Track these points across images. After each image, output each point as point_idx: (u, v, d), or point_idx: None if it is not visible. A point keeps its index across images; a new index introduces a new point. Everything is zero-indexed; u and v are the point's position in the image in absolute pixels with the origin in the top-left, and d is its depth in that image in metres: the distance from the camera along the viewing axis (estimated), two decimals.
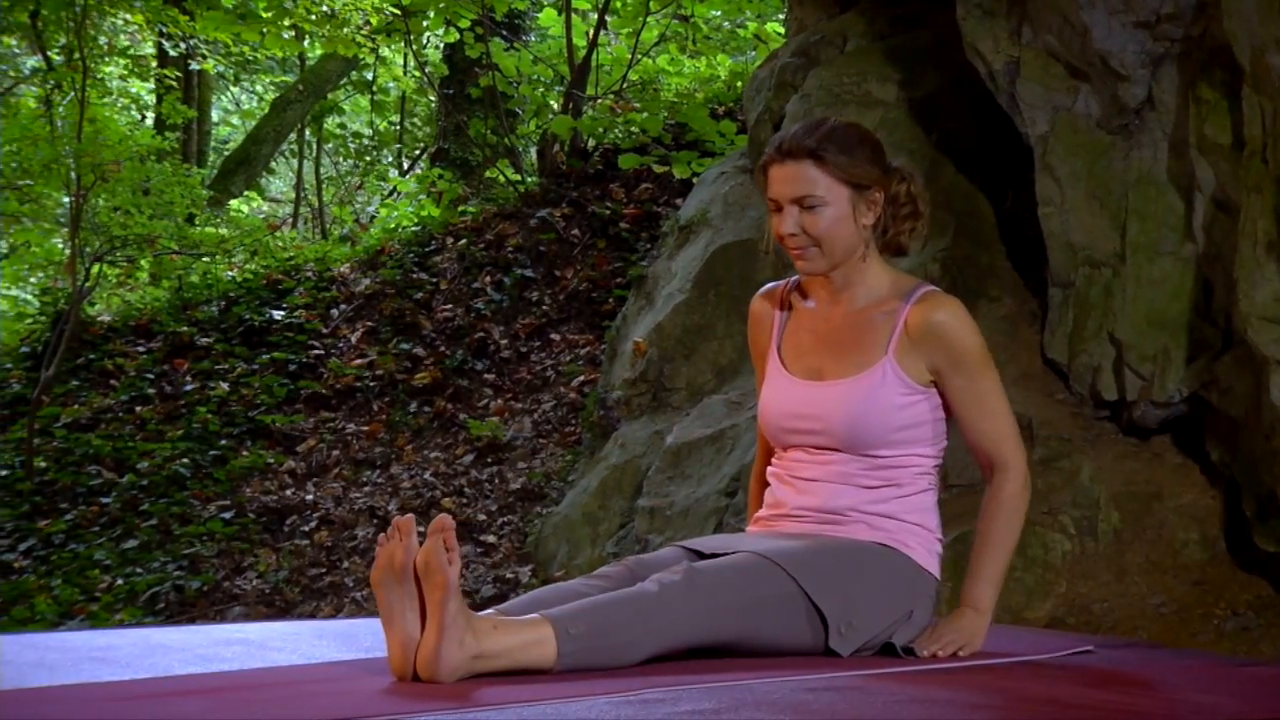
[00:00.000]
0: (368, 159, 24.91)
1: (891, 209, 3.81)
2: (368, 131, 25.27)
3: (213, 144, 26.18)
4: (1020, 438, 3.81)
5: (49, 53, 18.34)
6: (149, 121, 22.26)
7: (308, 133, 24.65)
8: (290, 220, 23.73)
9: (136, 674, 3.39)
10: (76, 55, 13.69)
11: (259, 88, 25.25)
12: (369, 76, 22.49)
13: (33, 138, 13.75)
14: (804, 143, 3.73)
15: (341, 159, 26.17)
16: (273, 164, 25.49)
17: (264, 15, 15.26)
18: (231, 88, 27.00)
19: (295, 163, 26.02)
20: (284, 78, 24.98)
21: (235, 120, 28.25)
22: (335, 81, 22.72)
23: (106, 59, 18.40)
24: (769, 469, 4.00)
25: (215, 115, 27.99)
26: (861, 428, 3.72)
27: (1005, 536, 3.77)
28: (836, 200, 3.72)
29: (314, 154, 25.86)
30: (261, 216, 24.15)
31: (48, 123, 14.64)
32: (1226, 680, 3.32)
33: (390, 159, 24.41)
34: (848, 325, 3.84)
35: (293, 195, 25.52)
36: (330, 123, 25.34)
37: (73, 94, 13.95)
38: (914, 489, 3.78)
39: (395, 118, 23.63)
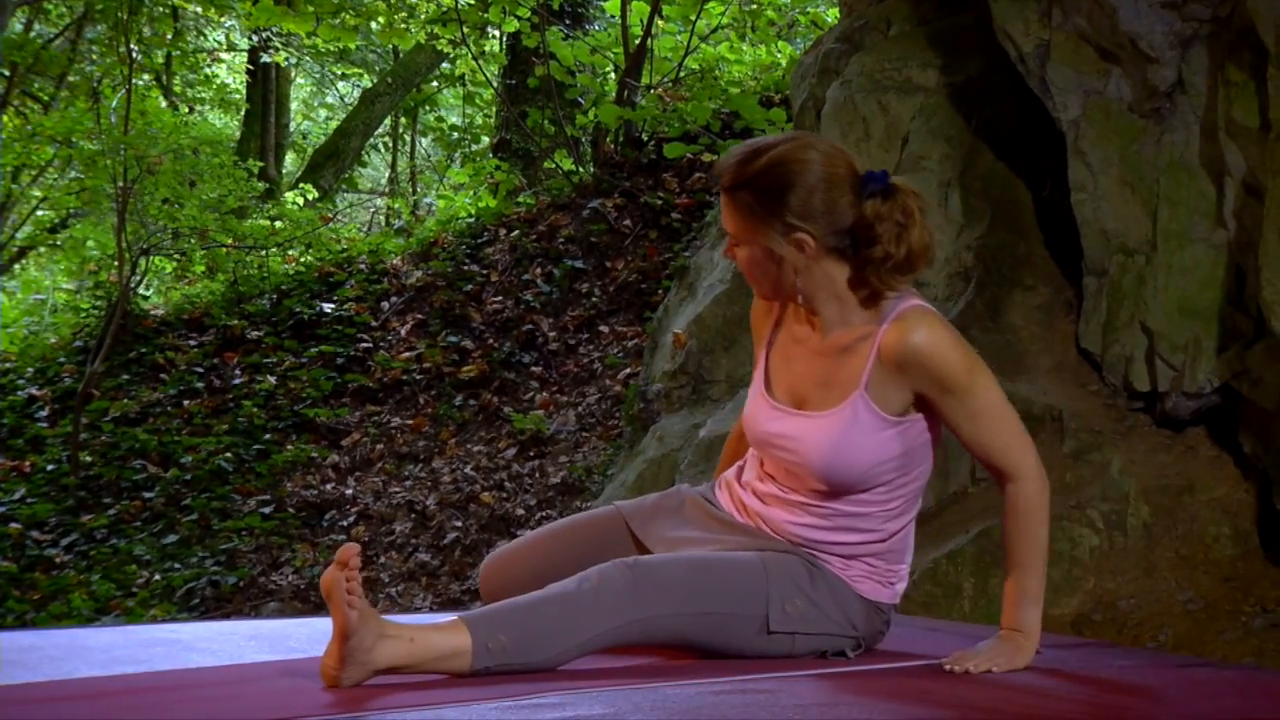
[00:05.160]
0: (460, 150, 24.97)
1: (862, 236, 3.47)
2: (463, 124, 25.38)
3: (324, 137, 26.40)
4: (1027, 437, 3.51)
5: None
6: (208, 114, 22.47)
7: (401, 125, 24.85)
8: (382, 212, 23.89)
9: (41, 677, 3.31)
10: (123, 48, 13.69)
11: (366, 81, 25.34)
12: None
13: (84, 131, 13.79)
14: (726, 176, 3.50)
15: (439, 150, 26.33)
16: (365, 156, 25.64)
17: (309, 8, 15.22)
18: (336, 84, 27.20)
19: (389, 155, 26.23)
20: (356, 70, 25.10)
21: (320, 115, 28.47)
22: (425, 74, 22.78)
23: (156, 51, 18.47)
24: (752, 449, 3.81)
25: (323, 113, 28.23)
26: (833, 467, 3.49)
27: (1032, 548, 3.46)
28: (750, 243, 3.50)
29: (407, 146, 26.01)
30: (369, 208, 24.34)
31: (94, 115, 14.68)
32: (1157, 682, 3.18)
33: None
34: (827, 352, 3.58)
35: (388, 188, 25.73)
36: (429, 116, 25.47)
37: (124, 89, 13.97)
38: (875, 535, 3.59)
39: (489, 110, 23.61)
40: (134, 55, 14.03)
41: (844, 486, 3.51)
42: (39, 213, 20.87)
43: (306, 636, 3.67)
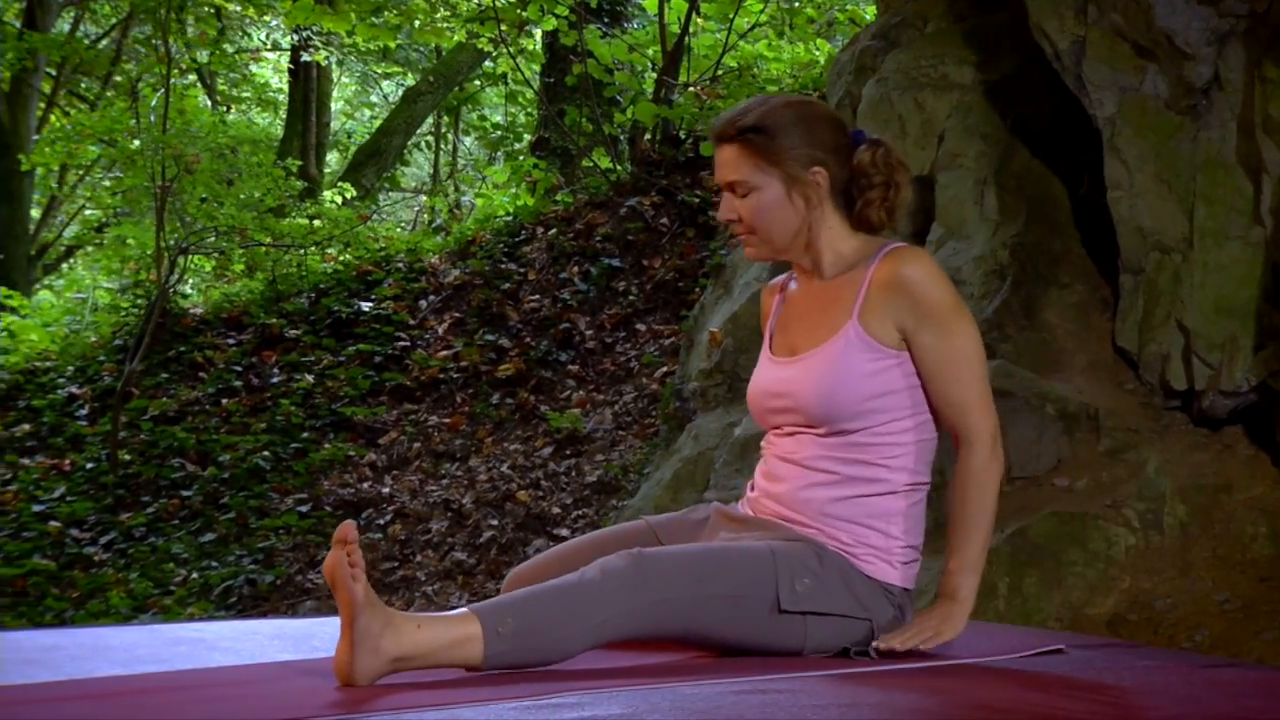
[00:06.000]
0: (503, 149, 25.01)
1: (858, 182, 3.61)
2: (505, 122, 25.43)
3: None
4: (990, 407, 3.56)
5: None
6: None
7: (443, 124, 24.90)
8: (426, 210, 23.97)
9: (60, 676, 3.31)
10: (163, 47, 13.73)
11: (409, 80, 25.42)
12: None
13: (123, 130, 13.82)
14: (732, 125, 3.58)
15: (483, 149, 26.39)
16: (407, 155, 25.70)
17: (349, 6, 15.24)
18: (380, 83, 27.30)
19: (433, 154, 26.28)
20: (399, 69, 25.15)
21: (365, 114, 28.58)
22: (466, 73, 22.80)
23: (199, 51, 18.54)
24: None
25: (367, 112, 28.34)
26: (828, 399, 3.52)
27: (975, 516, 3.51)
28: (767, 185, 3.56)
29: (450, 145, 26.06)
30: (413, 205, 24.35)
31: (133, 114, 14.72)
32: (1180, 682, 3.15)
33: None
34: (819, 297, 3.66)
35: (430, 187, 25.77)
36: (473, 115, 25.51)
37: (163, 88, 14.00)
38: (883, 486, 3.56)
39: (531, 109, 23.67)
40: (172, 54, 14.02)
41: (840, 416, 3.53)
42: (87, 212, 21.01)
43: (330, 636, 3.64)
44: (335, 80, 26.64)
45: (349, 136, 27.90)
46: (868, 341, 3.51)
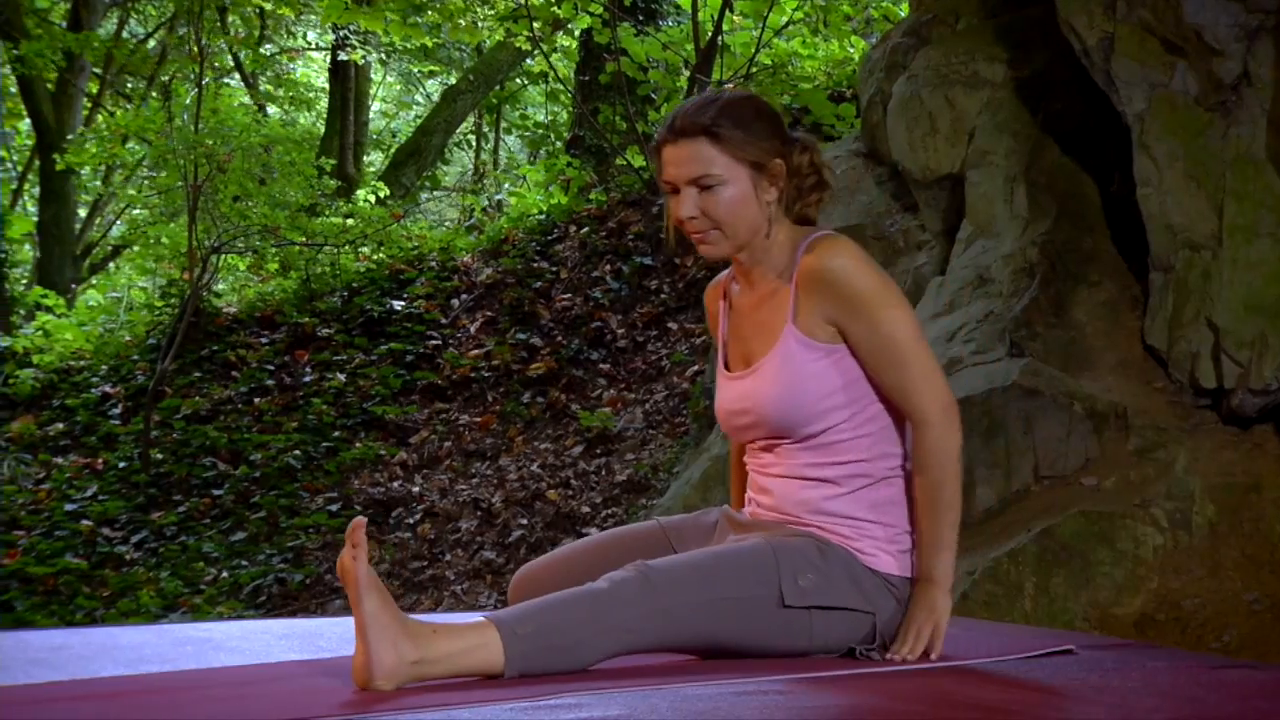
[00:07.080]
0: (544, 147, 25.04)
1: (796, 181, 3.60)
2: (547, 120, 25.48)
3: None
4: (938, 381, 3.52)
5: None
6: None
7: (484, 122, 24.93)
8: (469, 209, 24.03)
9: (66, 676, 3.30)
10: (195, 46, 13.77)
11: (452, 79, 25.48)
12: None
13: (156, 129, 13.85)
14: (698, 120, 3.52)
15: (524, 147, 26.45)
16: (448, 154, 25.75)
17: (386, 5, 15.26)
18: (424, 82, 27.36)
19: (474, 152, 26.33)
20: (441, 68, 25.19)
21: (409, 114, 28.64)
22: (506, 71, 22.82)
23: (242, 50, 18.58)
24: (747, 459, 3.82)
25: (411, 111, 28.40)
26: (785, 406, 3.52)
27: (938, 494, 3.47)
28: (736, 179, 3.50)
29: (490, 144, 26.09)
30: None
31: (166, 114, 14.75)
32: (1189, 684, 3.11)
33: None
34: (762, 303, 3.64)
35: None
36: (515, 114, 25.53)
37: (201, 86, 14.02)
38: (870, 479, 3.55)
39: (572, 107, 23.73)
40: (206, 54, 14.06)
41: (802, 421, 3.53)
42: (134, 211, 21.10)
43: (337, 636, 3.65)
44: (379, 79, 26.72)
45: (393, 135, 27.98)
46: (806, 342, 3.50)
